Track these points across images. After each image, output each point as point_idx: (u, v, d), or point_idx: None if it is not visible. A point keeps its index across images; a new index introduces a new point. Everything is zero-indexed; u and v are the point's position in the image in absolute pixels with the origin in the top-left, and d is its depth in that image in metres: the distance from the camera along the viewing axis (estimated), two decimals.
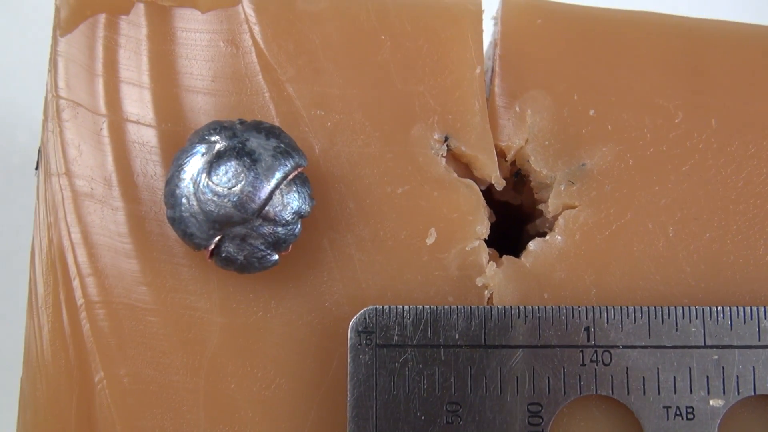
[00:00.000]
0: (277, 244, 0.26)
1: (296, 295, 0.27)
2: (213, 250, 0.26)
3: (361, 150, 0.28)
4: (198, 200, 0.26)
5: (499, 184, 0.29)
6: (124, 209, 0.28)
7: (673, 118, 0.28)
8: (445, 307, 0.26)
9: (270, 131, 0.27)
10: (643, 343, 0.26)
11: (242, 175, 0.26)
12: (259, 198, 0.26)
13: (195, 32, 0.29)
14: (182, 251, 0.28)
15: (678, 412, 0.26)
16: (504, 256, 0.28)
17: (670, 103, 0.29)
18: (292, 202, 0.26)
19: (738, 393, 0.26)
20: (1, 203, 0.50)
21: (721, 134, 0.28)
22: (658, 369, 0.26)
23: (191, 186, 0.26)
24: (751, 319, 0.26)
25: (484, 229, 0.28)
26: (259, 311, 0.27)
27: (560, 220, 0.28)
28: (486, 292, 0.28)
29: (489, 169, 0.28)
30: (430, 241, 0.28)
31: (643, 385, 0.26)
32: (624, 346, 0.26)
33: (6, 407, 0.31)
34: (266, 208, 0.26)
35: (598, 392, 0.26)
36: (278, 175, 0.26)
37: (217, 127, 0.27)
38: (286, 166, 0.26)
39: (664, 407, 0.26)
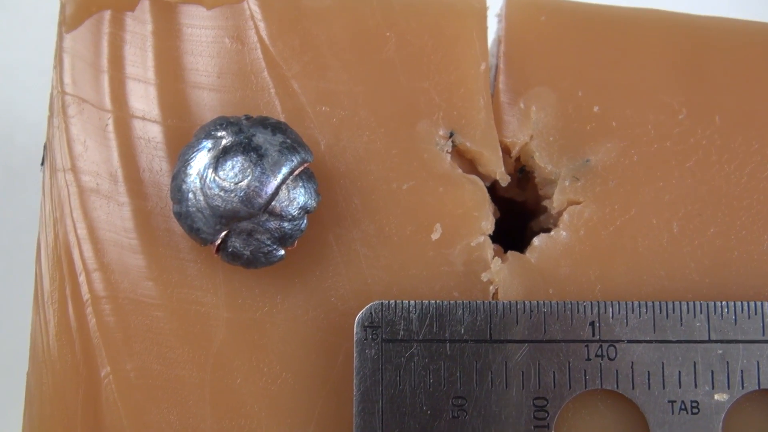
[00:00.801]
0: (283, 240, 0.26)
1: (302, 290, 0.28)
2: (219, 245, 0.26)
3: (366, 146, 0.28)
4: (204, 195, 0.26)
5: (504, 180, 0.29)
6: (130, 205, 0.28)
7: (676, 114, 0.29)
8: (451, 302, 0.26)
9: (276, 127, 0.27)
10: (648, 338, 0.26)
11: (249, 170, 0.26)
12: (266, 193, 0.26)
13: (200, 28, 0.29)
14: (188, 246, 0.28)
15: (683, 407, 0.26)
16: (509, 251, 0.28)
17: (674, 99, 0.29)
18: (299, 197, 0.26)
19: (742, 387, 0.26)
20: (4, 201, 0.50)
21: (724, 131, 0.28)
22: (662, 363, 0.26)
23: (198, 181, 0.26)
24: (756, 313, 0.26)
25: (489, 224, 0.28)
26: (265, 306, 0.27)
27: (565, 216, 0.28)
28: (491, 287, 0.28)
29: (494, 165, 0.29)
30: (435, 236, 0.28)
31: (648, 380, 0.26)
32: (629, 341, 0.26)
33: (12, 402, 0.31)
34: (272, 203, 0.26)
35: (604, 387, 0.26)
36: (284, 170, 0.26)
37: (224, 122, 0.27)
38: (293, 161, 0.26)
39: (668, 401, 0.26)
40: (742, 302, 0.26)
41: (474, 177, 0.28)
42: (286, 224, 0.26)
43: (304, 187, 0.27)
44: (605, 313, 0.26)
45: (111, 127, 0.28)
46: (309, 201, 0.27)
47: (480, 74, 0.29)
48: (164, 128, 0.28)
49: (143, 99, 0.29)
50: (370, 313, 0.26)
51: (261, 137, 0.26)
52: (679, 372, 0.26)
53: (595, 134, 0.29)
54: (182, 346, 0.27)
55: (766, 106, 0.29)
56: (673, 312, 0.26)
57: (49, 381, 0.27)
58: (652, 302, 0.26)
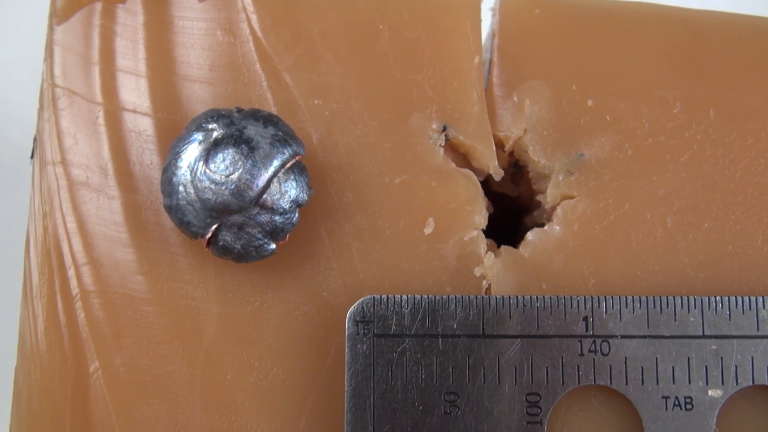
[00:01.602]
0: (274, 233, 0.26)
1: (293, 284, 0.27)
2: (210, 238, 0.26)
3: (359, 139, 0.28)
4: (195, 188, 0.26)
5: (498, 174, 0.28)
6: (120, 198, 0.28)
7: (671, 108, 0.28)
8: (443, 296, 0.26)
9: (268, 119, 0.27)
10: (642, 333, 0.26)
11: (240, 162, 0.26)
12: (257, 186, 0.26)
13: (192, 21, 0.29)
14: (179, 240, 0.28)
15: (677, 403, 0.26)
16: (502, 246, 0.28)
17: (669, 93, 0.28)
18: (290, 190, 0.26)
19: (737, 383, 0.26)
20: None
21: (719, 125, 0.28)
22: (656, 359, 0.26)
23: (188, 174, 0.26)
24: (750, 309, 0.26)
25: (482, 219, 0.28)
26: (255, 301, 0.27)
27: (558, 211, 0.28)
28: (484, 282, 0.27)
29: (487, 159, 0.28)
30: (428, 231, 0.28)
31: (642, 375, 0.26)
32: (622, 336, 0.26)
33: (0, 397, 0.31)
34: (264, 196, 0.26)
35: (597, 382, 0.26)
36: (276, 163, 0.26)
37: (215, 115, 0.27)
38: (284, 154, 0.26)
39: (662, 397, 0.26)
40: (736, 297, 0.26)
41: (467, 171, 0.28)
42: (277, 218, 0.26)
43: (296, 181, 0.26)
44: (599, 308, 0.26)
45: (101, 120, 0.28)
46: (301, 194, 0.26)
47: (474, 67, 0.28)
48: (155, 121, 0.28)
49: (134, 91, 0.28)
50: (362, 307, 0.26)
51: (252, 130, 0.26)
52: (673, 367, 0.26)
53: (590, 128, 0.28)
54: (172, 341, 0.27)
55: (761, 100, 0.28)
56: (667, 307, 0.26)
57: (38, 376, 0.27)
58: (646, 297, 0.26)
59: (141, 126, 0.28)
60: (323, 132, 0.28)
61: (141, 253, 0.27)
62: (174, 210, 0.26)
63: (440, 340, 0.26)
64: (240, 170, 0.26)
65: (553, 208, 0.28)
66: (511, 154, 0.29)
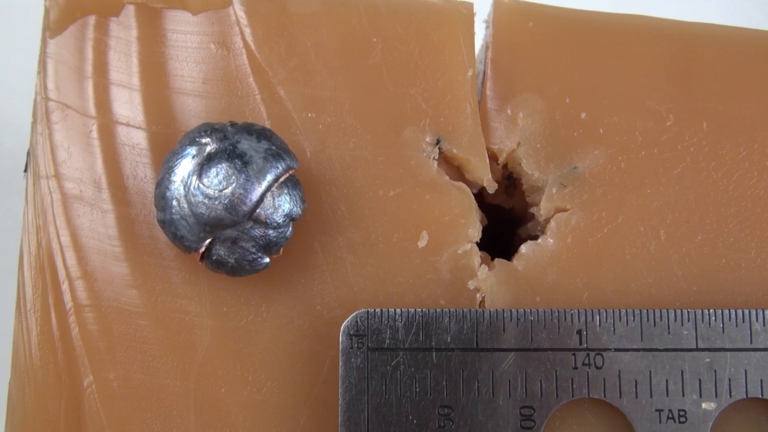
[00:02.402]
0: (268, 247, 0.26)
1: (287, 298, 0.27)
2: (204, 252, 0.26)
3: (352, 153, 0.28)
4: (189, 202, 0.26)
5: (491, 187, 0.28)
6: (114, 212, 0.28)
7: (664, 121, 0.28)
8: (437, 310, 0.26)
9: (261, 133, 0.27)
10: (636, 346, 0.26)
11: (233, 177, 0.26)
12: (250, 200, 0.26)
13: (185, 34, 0.29)
14: (172, 254, 0.28)
15: (670, 415, 0.26)
16: (496, 259, 0.28)
17: (662, 106, 0.29)
18: (284, 204, 0.26)
19: (730, 396, 0.26)
20: None
21: (712, 137, 0.28)
22: (650, 372, 0.26)
23: (182, 188, 0.26)
24: (743, 321, 0.26)
25: (476, 232, 0.28)
26: (249, 315, 0.27)
27: (552, 223, 0.28)
28: (478, 295, 0.27)
29: (481, 172, 0.28)
30: (421, 244, 0.28)
31: (636, 389, 0.26)
32: (616, 349, 0.26)
33: None
34: (257, 210, 0.26)
35: (591, 395, 0.26)
36: (269, 177, 0.26)
37: (208, 129, 0.27)
38: (278, 168, 0.26)
39: (656, 410, 0.26)
40: (729, 310, 0.26)
41: (461, 184, 0.28)
42: (271, 232, 0.26)
43: (290, 195, 0.26)
44: (592, 321, 0.26)
45: (95, 134, 0.28)
46: (294, 208, 0.26)
47: (467, 80, 0.29)
48: (149, 134, 0.28)
49: (128, 105, 0.28)
50: (356, 321, 0.26)
51: (246, 144, 0.26)
52: (667, 380, 0.26)
53: (583, 141, 0.28)
54: (166, 355, 0.27)
55: (753, 112, 0.28)
56: (661, 320, 0.26)
57: (32, 390, 0.27)
58: (640, 310, 0.26)
59: (134, 139, 0.28)
60: (317, 145, 0.28)
61: (135, 267, 0.27)
62: (168, 224, 0.26)
63: (434, 353, 0.26)
64: (233, 185, 0.26)
65: (547, 221, 0.28)
66: (505, 166, 0.29)
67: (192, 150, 0.26)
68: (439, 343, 0.26)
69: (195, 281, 0.27)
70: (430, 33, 0.29)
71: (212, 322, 0.27)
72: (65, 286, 0.27)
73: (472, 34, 0.29)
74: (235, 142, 0.26)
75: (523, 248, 0.28)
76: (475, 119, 0.28)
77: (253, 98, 0.28)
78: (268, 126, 0.28)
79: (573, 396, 0.26)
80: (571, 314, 0.26)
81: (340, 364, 0.26)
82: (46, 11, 0.29)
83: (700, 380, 0.26)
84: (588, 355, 0.26)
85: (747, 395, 0.26)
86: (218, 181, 0.26)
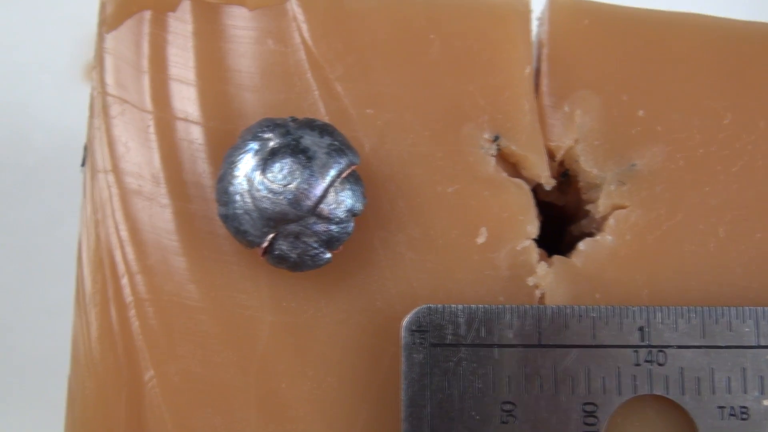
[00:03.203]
0: (330, 242, 0.26)
1: (347, 294, 0.27)
2: (266, 247, 0.26)
3: (411, 149, 0.28)
4: (253, 197, 0.26)
5: (549, 184, 0.29)
6: (172, 207, 0.28)
7: (721, 119, 0.29)
8: (499, 306, 0.26)
9: (323, 129, 0.27)
10: (697, 343, 0.26)
11: (297, 172, 0.26)
12: (314, 195, 0.26)
13: (243, 29, 0.29)
14: (231, 249, 0.28)
15: (732, 412, 0.26)
16: (554, 256, 0.28)
17: (718, 104, 0.29)
18: (346, 200, 0.26)
19: None
20: (19, 200, 0.50)
21: None
22: (712, 369, 0.26)
23: (245, 183, 0.26)
24: None
25: (534, 228, 0.28)
26: (309, 310, 0.27)
27: (610, 221, 0.28)
28: (537, 292, 0.28)
29: (539, 169, 0.28)
30: (480, 240, 0.28)
31: (698, 385, 0.26)
32: (678, 346, 0.26)
33: (54, 406, 0.31)
34: (320, 205, 0.26)
35: (653, 392, 0.26)
36: (332, 172, 0.26)
37: (270, 124, 0.27)
38: (340, 163, 0.26)
39: (718, 407, 0.26)
40: None
41: (519, 180, 0.28)
42: (333, 227, 0.26)
43: (352, 190, 0.26)
44: (654, 318, 0.26)
45: (153, 129, 0.28)
46: (356, 204, 0.26)
47: (524, 77, 0.29)
48: (206, 130, 0.28)
49: (185, 100, 0.28)
50: (418, 317, 0.26)
51: (309, 139, 0.26)
52: (729, 377, 0.26)
53: (641, 138, 0.28)
54: (226, 350, 0.27)
55: None
56: (722, 317, 0.26)
57: (92, 384, 0.27)
58: (701, 308, 0.26)
59: (192, 135, 0.28)
60: (375, 141, 0.28)
61: (194, 262, 0.27)
62: (230, 219, 0.26)
63: (496, 349, 0.26)
64: (298, 180, 0.26)
65: (604, 218, 0.28)
66: (561, 163, 0.29)
67: (254, 145, 0.26)
68: (501, 339, 0.26)
69: (254, 276, 0.27)
70: (487, 30, 0.29)
71: (272, 317, 0.27)
72: (125, 281, 0.27)
73: (529, 31, 0.29)
74: (297, 137, 0.26)
75: (581, 245, 0.28)
76: (533, 116, 0.28)
77: (311, 94, 0.28)
78: (327, 122, 0.28)
79: (636, 393, 0.26)
80: (633, 311, 0.26)
81: (402, 359, 0.26)
82: (102, 6, 0.29)
83: (761, 377, 0.26)
84: (650, 352, 0.26)
85: None
86: (282, 176, 0.26)
